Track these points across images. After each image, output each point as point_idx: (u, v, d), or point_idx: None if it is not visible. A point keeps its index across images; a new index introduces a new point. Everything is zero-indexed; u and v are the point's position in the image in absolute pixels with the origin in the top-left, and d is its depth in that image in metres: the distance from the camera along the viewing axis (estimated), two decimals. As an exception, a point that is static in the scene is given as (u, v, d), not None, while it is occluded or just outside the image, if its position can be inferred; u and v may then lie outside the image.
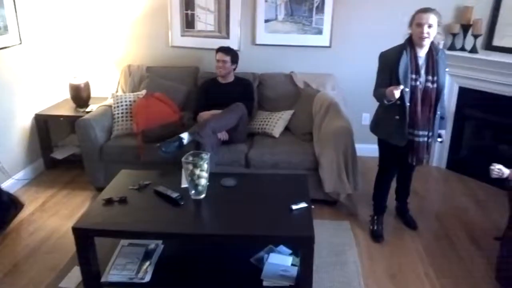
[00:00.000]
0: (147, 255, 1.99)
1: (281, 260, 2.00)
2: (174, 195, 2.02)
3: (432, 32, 2.14)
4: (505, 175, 2.06)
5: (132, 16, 3.50)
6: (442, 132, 2.43)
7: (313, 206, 2.06)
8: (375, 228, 2.54)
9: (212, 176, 2.10)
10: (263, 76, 3.36)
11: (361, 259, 2.32)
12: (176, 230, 1.88)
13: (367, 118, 3.44)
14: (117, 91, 3.40)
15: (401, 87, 2.10)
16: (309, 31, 3.47)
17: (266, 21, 3.46)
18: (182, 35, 3.53)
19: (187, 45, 3.54)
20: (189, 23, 3.52)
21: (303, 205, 1.99)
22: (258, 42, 3.50)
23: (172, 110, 3.03)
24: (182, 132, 2.60)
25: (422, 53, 2.22)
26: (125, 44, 3.57)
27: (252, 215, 1.95)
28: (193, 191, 2.02)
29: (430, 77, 2.21)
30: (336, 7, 3.37)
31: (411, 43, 2.21)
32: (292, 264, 1.98)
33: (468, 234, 2.60)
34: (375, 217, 2.57)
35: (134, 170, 2.38)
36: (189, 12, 3.51)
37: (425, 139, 2.27)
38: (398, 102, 2.20)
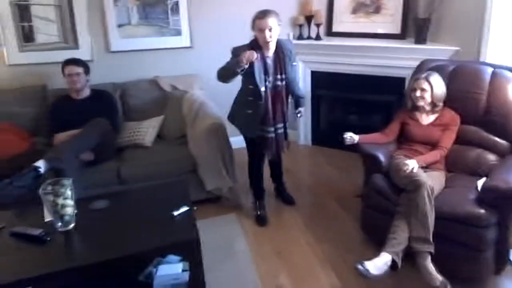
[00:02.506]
0: (16, 308, 1.74)
1: (171, 270, 1.96)
2: (37, 232, 1.79)
3: (274, 34, 2.27)
4: (355, 141, 2.38)
5: None
6: (302, 109, 2.63)
7: (195, 208, 2.07)
8: (259, 213, 2.69)
9: (80, 202, 1.93)
10: (125, 85, 3.19)
11: (250, 246, 2.43)
12: (45, 271, 1.66)
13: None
14: None
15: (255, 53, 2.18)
16: (168, 33, 3.43)
17: (119, 26, 3.29)
18: (20, 51, 3.10)
19: (29, 61, 3.12)
20: (27, 36, 3.12)
21: (184, 209, 1.98)
22: (113, 49, 3.30)
23: (19, 138, 2.67)
24: (37, 160, 2.31)
25: (270, 53, 2.35)
26: None
27: (132, 232, 1.85)
28: (59, 223, 1.83)
29: (279, 76, 2.37)
30: (191, 7, 3.39)
31: (258, 45, 2.32)
32: (183, 270, 1.97)
33: (336, 198, 2.95)
34: (257, 203, 2.72)
35: (-19, 216, 2.03)
36: (25, 24, 3.10)
37: (281, 131, 2.48)
38: (251, 98, 2.34)
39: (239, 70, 2.20)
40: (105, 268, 1.90)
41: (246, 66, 2.19)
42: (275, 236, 2.53)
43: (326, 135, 3.87)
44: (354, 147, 2.42)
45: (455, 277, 2.00)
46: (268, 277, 2.18)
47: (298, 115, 2.61)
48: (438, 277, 1.85)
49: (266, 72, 2.33)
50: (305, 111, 2.70)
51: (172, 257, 2.05)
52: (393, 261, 1.94)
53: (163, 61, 3.45)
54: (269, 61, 2.35)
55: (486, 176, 2.12)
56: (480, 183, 2.08)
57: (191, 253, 1.80)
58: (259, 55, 2.28)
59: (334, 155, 3.66)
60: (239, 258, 2.30)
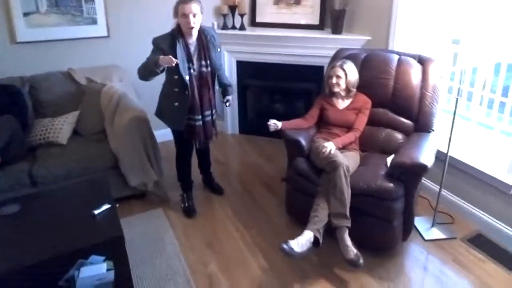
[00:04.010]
0: None
1: (94, 271, 1.86)
2: None
3: (197, 21, 2.23)
4: (279, 127, 2.44)
5: None
6: (230, 97, 2.62)
7: (117, 205, 2.01)
8: (187, 205, 2.67)
9: (-14, 209, 1.78)
10: (34, 78, 2.92)
11: (178, 239, 2.41)
12: None
13: (161, 103, 3.48)
14: None
15: (174, 60, 2.09)
16: (82, 22, 3.20)
17: (26, 14, 2.99)
18: None
19: None
20: None
21: (106, 207, 1.92)
22: (19, 40, 3.00)
23: None
24: None
25: (192, 40, 2.31)
26: None
27: (47, 236, 1.75)
28: (-42, 234, 1.66)
29: (203, 62, 2.34)
30: (107, -6, 3.21)
31: (180, 32, 2.26)
32: (108, 269, 1.89)
33: (264, 184, 3.03)
34: (185, 195, 2.70)
35: None
36: None
37: (209, 118, 2.47)
38: (176, 89, 2.30)
39: (158, 71, 2.14)
40: (18, 278, 1.77)
41: (166, 66, 2.13)
42: (204, 227, 2.54)
43: (252, 123, 3.94)
44: (278, 133, 2.49)
45: (369, 247, 2.18)
46: (198, 267, 2.19)
47: (227, 103, 2.61)
48: (353, 250, 2.00)
49: (189, 60, 2.29)
50: (232, 100, 2.68)
51: (95, 258, 1.95)
52: (315, 237, 2.06)
53: (77, 52, 3.23)
54: (192, 48, 2.32)
55: (395, 153, 2.33)
56: (389, 159, 2.28)
57: (114, 251, 1.74)
58: (181, 43, 2.24)
59: (261, 142, 3.75)
60: (168, 252, 2.27)
